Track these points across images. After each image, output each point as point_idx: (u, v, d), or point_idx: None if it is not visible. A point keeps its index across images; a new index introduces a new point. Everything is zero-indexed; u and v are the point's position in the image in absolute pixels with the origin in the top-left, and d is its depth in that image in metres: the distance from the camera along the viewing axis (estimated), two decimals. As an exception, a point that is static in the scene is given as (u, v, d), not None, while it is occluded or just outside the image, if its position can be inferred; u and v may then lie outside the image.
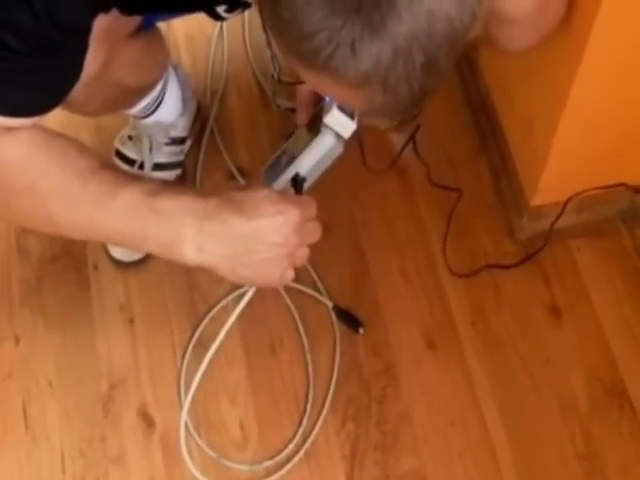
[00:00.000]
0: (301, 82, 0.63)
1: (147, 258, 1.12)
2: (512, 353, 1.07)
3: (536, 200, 1.06)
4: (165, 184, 0.75)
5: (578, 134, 0.94)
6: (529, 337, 1.07)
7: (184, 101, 1.14)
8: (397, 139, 1.20)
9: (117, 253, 1.12)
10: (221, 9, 0.87)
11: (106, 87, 0.89)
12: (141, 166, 1.13)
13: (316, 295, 1.11)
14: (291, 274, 0.78)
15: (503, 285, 1.11)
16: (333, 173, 0.84)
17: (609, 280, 1.10)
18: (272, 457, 1.02)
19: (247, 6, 0.87)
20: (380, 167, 1.15)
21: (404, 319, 1.09)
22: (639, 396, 1.03)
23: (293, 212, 0.74)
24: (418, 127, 1.14)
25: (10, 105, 0.70)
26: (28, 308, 1.12)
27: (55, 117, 0.78)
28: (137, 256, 1.11)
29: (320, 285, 1.11)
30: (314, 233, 0.77)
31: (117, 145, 1.14)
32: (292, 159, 0.85)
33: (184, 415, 0.98)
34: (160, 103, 1.08)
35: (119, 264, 1.13)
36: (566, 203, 1.06)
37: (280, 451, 1.03)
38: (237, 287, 1.09)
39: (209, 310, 1.10)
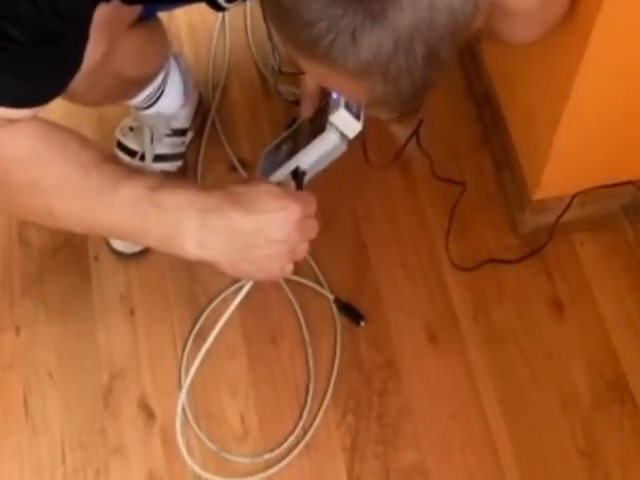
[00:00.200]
0: (302, 72, 0.62)
1: (148, 250, 1.12)
2: (514, 347, 1.06)
3: (539, 194, 1.05)
4: (167, 178, 0.75)
5: (581, 129, 0.93)
6: (531, 331, 1.07)
7: (185, 92, 1.13)
8: (400, 132, 1.20)
9: (118, 244, 1.12)
10: None
11: (107, 77, 0.88)
12: (142, 157, 1.12)
13: (317, 288, 1.10)
14: (290, 268, 0.78)
15: (505, 279, 1.10)
16: (335, 165, 0.84)
17: (612, 275, 1.09)
18: (272, 450, 1.02)
19: None
20: (382, 162, 1.15)
21: (405, 312, 1.09)
22: (641, 391, 1.03)
23: (295, 208, 0.74)
24: (421, 122, 1.13)
25: (11, 96, 0.70)
26: (29, 298, 1.12)
27: (57, 108, 0.78)
28: (138, 248, 1.11)
29: (321, 278, 1.11)
30: (313, 230, 0.77)
31: (118, 136, 1.14)
32: (294, 152, 0.84)
33: (182, 398, 0.98)
34: (161, 94, 1.07)
35: (120, 255, 1.13)
36: (572, 199, 1.05)
37: (280, 444, 1.03)
38: (238, 279, 1.08)
39: (210, 302, 1.10)
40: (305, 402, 1.04)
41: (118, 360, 1.08)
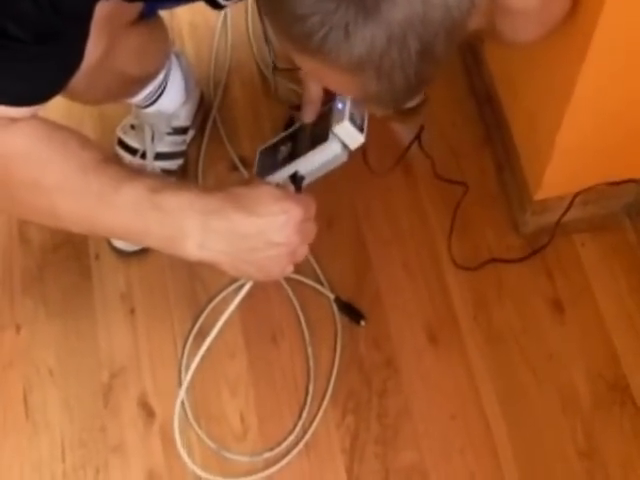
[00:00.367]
0: (297, 68, 0.62)
1: (148, 248, 1.11)
2: (514, 348, 1.06)
3: (540, 194, 1.05)
4: (168, 179, 0.75)
5: (583, 129, 0.93)
6: (531, 332, 1.07)
7: (187, 90, 1.13)
8: (402, 134, 1.20)
9: (119, 243, 1.12)
10: None
11: (107, 75, 0.88)
12: (143, 155, 1.12)
13: (318, 287, 1.10)
14: (290, 268, 0.78)
15: (506, 279, 1.10)
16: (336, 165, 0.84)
17: (613, 275, 1.09)
18: (272, 449, 1.02)
19: None
20: (383, 168, 1.13)
21: (406, 312, 1.09)
22: (642, 392, 1.03)
23: (296, 211, 0.74)
24: (422, 127, 1.13)
25: (11, 94, 0.69)
26: (29, 297, 1.12)
27: (58, 106, 0.78)
28: (138, 246, 1.11)
29: (322, 277, 1.11)
30: (312, 232, 0.78)
31: (119, 134, 1.14)
32: (293, 155, 0.85)
33: (181, 394, 0.98)
34: (162, 92, 1.07)
35: (121, 254, 1.13)
36: (573, 199, 1.05)
37: (280, 443, 1.02)
38: (238, 278, 1.08)
39: (210, 300, 1.10)
40: (305, 401, 1.04)
41: (118, 358, 1.08)
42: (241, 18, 1.29)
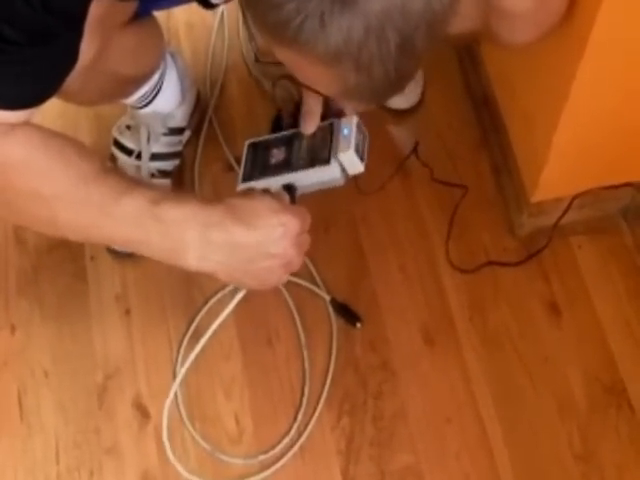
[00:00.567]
0: (279, 62, 0.62)
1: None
2: (510, 351, 1.06)
3: (537, 196, 1.04)
4: (169, 191, 0.76)
5: (580, 131, 0.93)
6: (528, 335, 1.06)
7: (183, 91, 1.13)
8: (398, 134, 1.19)
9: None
10: None
11: (101, 76, 0.88)
12: (139, 156, 1.12)
13: (314, 289, 1.10)
14: (285, 278, 0.80)
15: (502, 282, 1.09)
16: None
17: (609, 278, 1.09)
18: (267, 451, 1.02)
19: None
20: (372, 188, 1.12)
21: (402, 315, 1.08)
22: (638, 395, 1.02)
23: (293, 225, 0.76)
24: (417, 143, 1.13)
25: (6, 98, 0.69)
26: (24, 298, 1.12)
27: (53, 107, 0.77)
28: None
29: (318, 279, 1.10)
30: (307, 244, 0.79)
31: (115, 134, 1.13)
32: (288, 165, 0.86)
33: (174, 388, 0.99)
34: (158, 93, 1.07)
35: (116, 255, 1.12)
36: (571, 202, 1.05)
37: (275, 445, 1.02)
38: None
39: (206, 302, 1.09)
40: (300, 404, 1.04)
41: (113, 360, 1.08)
42: (238, 18, 1.28)
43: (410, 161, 1.16)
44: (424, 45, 0.57)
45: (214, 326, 0.89)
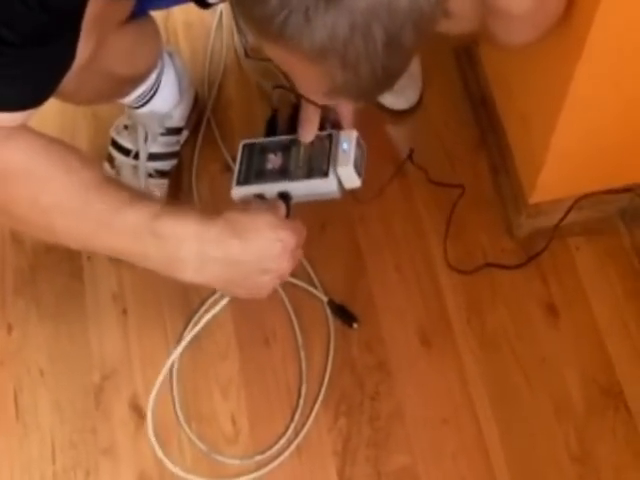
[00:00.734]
0: (268, 59, 0.62)
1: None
2: (507, 352, 1.05)
3: (535, 198, 1.04)
4: (168, 205, 0.76)
5: (577, 133, 0.92)
6: (525, 336, 1.06)
7: (180, 91, 1.13)
8: (397, 134, 1.19)
9: (111, 244, 1.12)
10: None
11: (97, 76, 0.88)
12: (136, 156, 1.12)
13: (311, 290, 1.10)
14: (276, 287, 0.82)
15: (500, 283, 1.09)
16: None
17: (607, 280, 1.08)
18: (263, 452, 1.02)
19: None
20: (367, 197, 1.11)
21: (399, 315, 1.08)
22: (635, 397, 1.02)
23: (290, 241, 0.77)
24: (412, 150, 1.13)
25: (5, 100, 0.69)
26: (21, 297, 1.12)
27: (51, 107, 0.77)
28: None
29: (315, 280, 1.10)
30: (300, 257, 0.81)
31: (113, 134, 1.13)
32: (285, 173, 0.86)
33: (160, 378, 0.99)
34: (155, 92, 1.06)
35: (113, 255, 1.12)
36: (572, 205, 1.05)
37: (271, 445, 1.02)
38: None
39: (202, 302, 1.09)
40: (297, 404, 1.04)
41: (110, 360, 1.08)
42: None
43: (407, 150, 1.15)
44: (411, 43, 0.56)
45: (207, 318, 0.91)
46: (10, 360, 1.08)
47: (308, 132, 0.87)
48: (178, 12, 1.28)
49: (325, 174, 0.85)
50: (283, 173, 0.87)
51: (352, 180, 0.86)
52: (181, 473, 1.01)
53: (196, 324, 1.07)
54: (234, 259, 0.76)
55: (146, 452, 1.02)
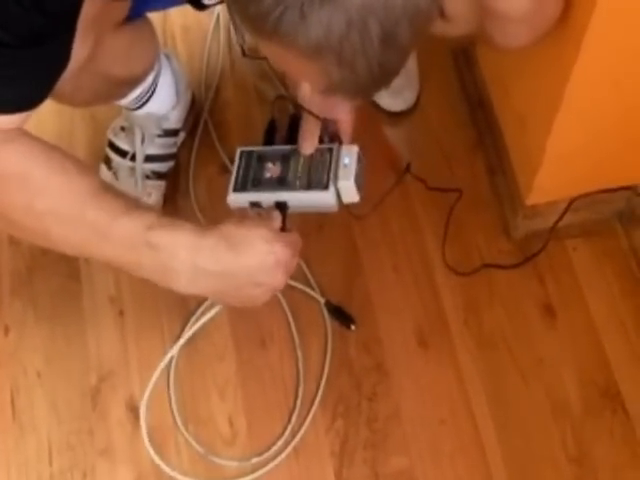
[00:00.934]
0: (264, 58, 0.62)
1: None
2: (504, 352, 1.05)
3: (531, 199, 1.04)
4: (164, 215, 0.77)
5: (574, 135, 0.92)
6: (522, 336, 1.06)
7: (177, 93, 1.13)
8: (394, 136, 1.20)
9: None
10: None
11: (94, 78, 0.88)
12: (133, 157, 1.12)
13: (308, 291, 1.10)
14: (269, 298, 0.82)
15: (497, 283, 1.09)
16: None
17: (604, 281, 1.09)
18: (260, 453, 1.02)
19: None
20: (364, 212, 1.10)
21: (396, 316, 1.08)
22: (633, 399, 1.02)
23: (284, 254, 0.77)
24: (409, 165, 1.13)
25: (1, 101, 0.69)
26: (18, 298, 1.12)
27: (48, 108, 0.77)
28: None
29: (312, 281, 1.10)
30: (294, 267, 0.81)
31: (110, 136, 1.13)
32: (283, 183, 0.86)
33: (157, 379, 0.99)
34: (152, 94, 1.06)
35: (110, 256, 1.12)
36: (568, 206, 1.05)
37: (269, 447, 1.02)
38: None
39: (199, 304, 1.09)
40: (294, 405, 1.04)
41: (107, 361, 1.08)
42: (233, 20, 1.29)
43: (405, 161, 1.15)
44: (408, 39, 0.57)
45: (206, 318, 0.92)
46: (7, 361, 1.08)
47: (309, 144, 0.88)
48: (176, 15, 1.28)
49: (325, 187, 0.85)
50: (281, 183, 0.87)
51: (351, 195, 0.87)
52: (178, 475, 1.01)
53: (193, 325, 1.08)
54: (227, 271, 0.76)
55: (143, 453, 1.02)
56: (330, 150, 0.87)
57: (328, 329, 1.08)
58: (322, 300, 1.09)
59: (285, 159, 0.89)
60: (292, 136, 0.90)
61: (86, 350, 1.08)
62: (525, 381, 1.04)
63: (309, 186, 0.86)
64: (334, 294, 1.09)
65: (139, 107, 1.07)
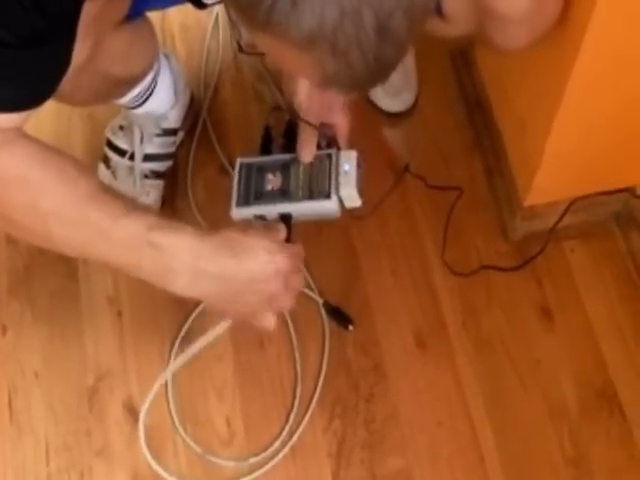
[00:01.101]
0: (262, 53, 0.62)
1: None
2: (502, 354, 1.05)
3: (530, 200, 1.04)
4: (164, 217, 0.76)
5: (573, 136, 0.92)
6: (520, 338, 1.06)
7: (176, 92, 1.13)
8: (392, 137, 1.20)
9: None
10: None
11: (93, 77, 0.88)
12: (132, 157, 1.12)
13: (306, 291, 1.09)
14: (271, 319, 0.81)
15: (495, 285, 1.09)
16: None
17: (602, 283, 1.09)
18: (258, 453, 1.02)
19: None
20: (365, 213, 1.09)
21: (394, 318, 1.08)
22: (629, 400, 1.02)
23: (284, 264, 0.77)
24: (408, 166, 1.13)
25: (3, 101, 0.69)
26: (16, 298, 1.12)
27: (47, 107, 0.77)
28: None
29: (311, 281, 1.10)
30: (299, 283, 0.81)
31: (108, 135, 1.13)
32: (285, 194, 0.87)
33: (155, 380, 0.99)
34: (151, 94, 1.06)
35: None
36: (567, 208, 1.05)
37: (266, 447, 1.02)
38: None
39: (197, 304, 1.09)
40: (292, 406, 1.04)
41: (104, 361, 1.08)
42: (232, 19, 1.28)
43: (404, 162, 1.15)
44: (403, 31, 0.56)
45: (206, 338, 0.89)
46: (4, 361, 1.08)
47: (308, 152, 0.88)
48: (174, 14, 1.28)
49: (327, 196, 0.85)
50: (283, 194, 0.87)
51: (354, 200, 0.87)
52: (175, 475, 1.01)
53: (191, 326, 1.08)
54: (227, 276, 0.76)
55: (140, 454, 1.02)
56: (329, 156, 0.87)
57: (326, 330, 1.08)
58: (320, 300, 1.09)
59: (285, 169, 0.89)
60: (290, 143, 0.90)
61: (84, 350, 1.08)
62: (522, 383, 1.04)
63: (311, 196, 0.86)
64: (332, 295, 1.09)
65: (138, 106, 1.07)
